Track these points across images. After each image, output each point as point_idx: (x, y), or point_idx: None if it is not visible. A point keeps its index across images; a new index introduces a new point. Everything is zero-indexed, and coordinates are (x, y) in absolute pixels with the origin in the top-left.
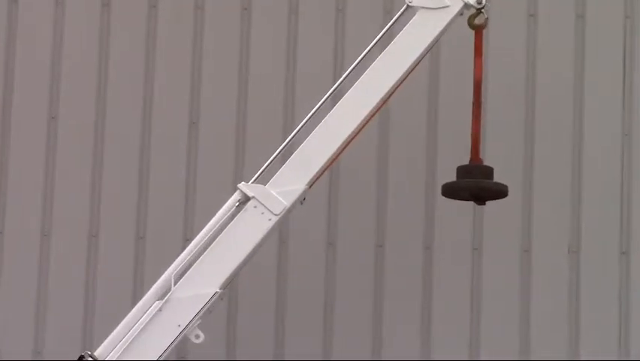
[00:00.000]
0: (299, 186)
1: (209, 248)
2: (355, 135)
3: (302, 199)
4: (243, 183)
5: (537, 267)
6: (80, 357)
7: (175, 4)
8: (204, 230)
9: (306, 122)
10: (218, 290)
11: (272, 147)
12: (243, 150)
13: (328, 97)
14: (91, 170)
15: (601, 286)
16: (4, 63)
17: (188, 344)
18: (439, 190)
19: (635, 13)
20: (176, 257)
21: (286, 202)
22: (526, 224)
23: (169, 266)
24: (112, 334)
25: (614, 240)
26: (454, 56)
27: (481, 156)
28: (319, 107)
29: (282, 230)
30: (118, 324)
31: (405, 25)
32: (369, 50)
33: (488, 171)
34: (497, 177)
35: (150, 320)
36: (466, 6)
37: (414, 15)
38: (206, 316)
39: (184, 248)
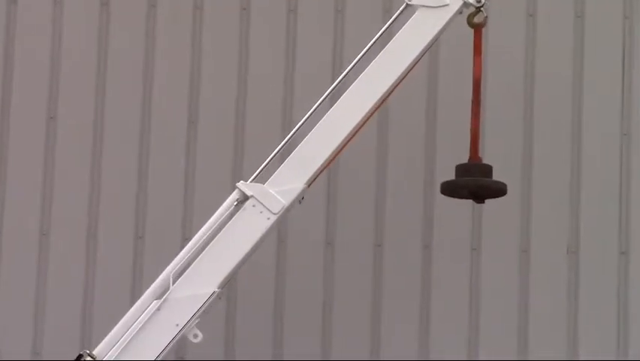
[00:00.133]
0: (298, 185)
1: (208, 247)
2: (354, 134)
3: (300, 198)
4: (241, 182)
5: (536, 267)
6: (78, 356)
7: (174, 4)
8: (203, 229)
9: (305, 121)
10: (216, 290)
11: (271, 147)
12: (241, 149)
13: (327, 96)
14: (90, 170)
15: (600, 286)
16: (3, 63)
17: (186, 344)
18: (437, 189)
19: (634, 13)
20: (175, 257)
21: (285, 201)
22: (525, 224)
23: (168, 266)
24: (110, 333)
25: (612, 240)
26: (453, 54)
27: (479, 155)
28: (318, 106)
29: (281, 230)
30: (117, 324)
31: (404, 24)
32: (368, 49)
33: (487, 170)
34: (496, 177)
35: (148, 319)
36: (466, 4)
37: (413, 14)
38: (205, 315)
39: (183, 248)
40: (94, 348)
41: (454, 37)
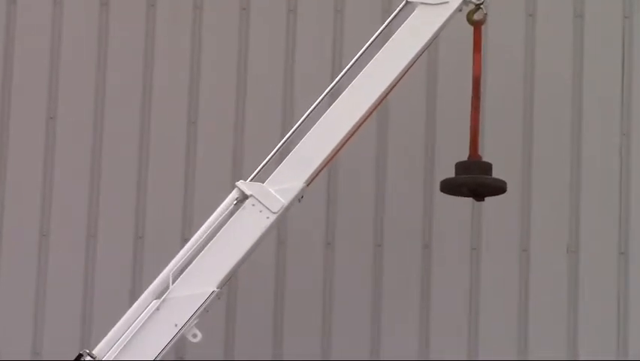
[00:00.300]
0: (297, 184)
1: (207, 247)
2: (354, 133)
3: (300, 197)
4: (241, 181)
5: (536, 266)
6: (78, 356)
7: (173, 4)
8: (202, 228)
9: (304, 120)
10: (215, 289)
11: (270, 147)
12: (241, 149)
13: (326, 95)
14: (89, 170)
15: (599, 285)
16: (2, 63)
17: (186, 344)
18: (437, 189)
19: (633, 13)
20: (175, 256)
21: (284, 200)
22: (525, 223)
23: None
24: (110, 333)
25: (612, 240)
26: (452, 52)
27: (479, 153)
28: (317, 104)
29: (281, 230)
30: (116, 323)
31: (404, 22)
32: (367, 47)
33: (487, 167)
34: (496, 177)
35: (148, 319)
36: (465, 2)
37: (413, 11)
38: (204, 315)
39: (183, 248)
40: (93, 348)
41: (453, 34)
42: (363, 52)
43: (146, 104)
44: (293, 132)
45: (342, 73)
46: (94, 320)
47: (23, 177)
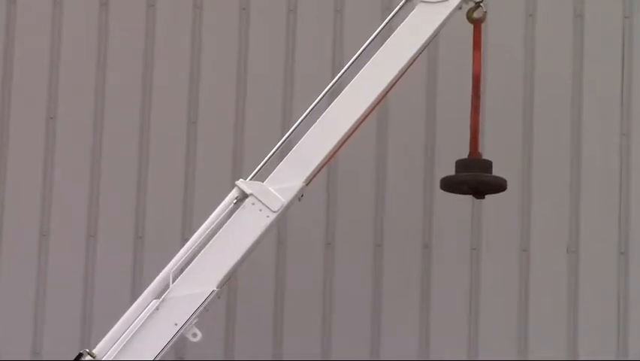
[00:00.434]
0: (297, 183)
1: (207, 246)
2: (354, 131)
3: (300, 196)
4: (240, 180)
5: (536, 266)
6: (78, 355)
7: (173, 4)
8: (202, 227)
9: (304, 119)
10: (215, 289)
11: (270, 147)
12: (241, 149)
13: (326, 93)
14: (89, 169)
15: (599, 285)
16: (2, 63)
17: (186, 344)
18: (437, 189)
19: (633, 13)
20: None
21: (284, 199)
22: (525, 223)
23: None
24: (110, 332)
25: (612, 240)
26: (452, 50)
27: (479, 151)
28: (317, 103)
29: (281, 230)
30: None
31: (404, 20)
32: (368, 45)
33: (487, 165)
34: None
35: (147, 318)
36: (465, 0)
37: (413, 9)
38: (204, 314)
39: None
40: (94, 348)
41: (453, 33)
42: (363, 50)
43: (146, 104)
44: (293, 131)
45: (342, 71)
46: (94, 320)
47: (23, 177)
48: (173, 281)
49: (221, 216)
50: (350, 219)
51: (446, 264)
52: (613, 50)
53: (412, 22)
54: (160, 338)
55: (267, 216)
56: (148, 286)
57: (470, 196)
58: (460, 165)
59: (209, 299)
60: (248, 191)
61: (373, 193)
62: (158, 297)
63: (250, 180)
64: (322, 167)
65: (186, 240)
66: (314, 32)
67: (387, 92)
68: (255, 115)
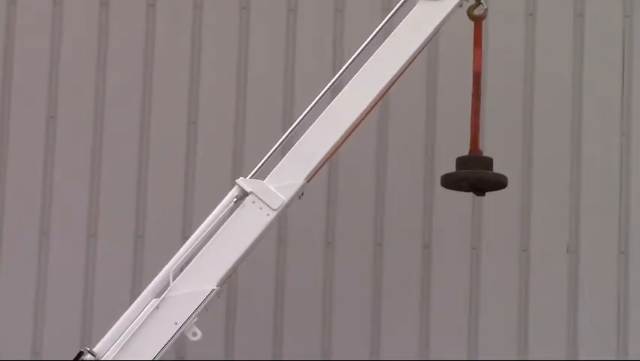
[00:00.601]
0: (297, 181)
1: (207, 244)
2: (354, 129)
3: (300, 194)
4: (241, 178)
5: (536, 266)
6: (78, 353)
7: (173, 4)
8: (202, 226)
9: (304, 117)
10: (215, 287)
11: (270, 146)
12: (241, 149)
13: (326, 91)
14: (90, 169)
15: (599, 285)
16: (3, 62)
17: (187, 344)
18: (437, 189)
19: (634, 12)
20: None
21: (284, 197)
22: (525, 223)
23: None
24: (110, 330)
25: (612, 239)
26: (453, 48)
27: (480, 148)
28: (317, 101)
29: (281, 229)
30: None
31: (404, 17)
32: (368, 42)
33: (487, 162)
34: None
35: (147, 317)
36: None
37: (413, 7)
38: (204, 313)
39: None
40: (94, 347)
41: (453, 30)
42: (364, 48)
43: (146, 104)
44: (293, 129)
45: (342, 69)
46: (94, 319)
47: (23, 176)
48: (173, 280)
49: (222, 214)
50: (350, 218)
51: (446, 263)
52: (613, 50)
53: (413, 19)
54: (160, 336)
55: (267, 215)
56: (148, 285)
57: (470, 195)
58: (461, 162)
59: (209, 298)
60: (248, 189)
61: (373, 192)
62: (158, 296)
63: (250, 178)
64: (323, 165)
65: (186, 239)
66: (314, 32)
67: (387, 89)
68: (255, 114)
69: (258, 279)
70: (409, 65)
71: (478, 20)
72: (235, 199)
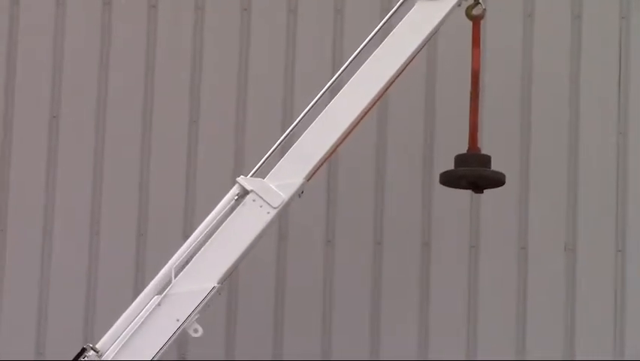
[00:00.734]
0: (297, 180)
1: (208, 242)
2: (353, 128)
3: (300, 192)
4: (241, 176)
5: (534, 264)
6: (81, 350)
7: (175, 5)
8: (204, 223)
9: (304, 116)
10: (216, 285)
11: (271, 146)
12: (242, 148)
13: (326, 90)
14: (92, 168)
15: (597, 283)
16: (6, 62)
17: (188, 340)
18: (436, 188)
19: (630, 13)
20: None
21: (285, 195)
22: (523, 221)
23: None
24: (113, 327)
25: (609, 238)
26: (451, 47)
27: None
28: (316, 101)
29: (282, 227)
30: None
31: (403, 17)
32: (368, 42)
33: (486, 160)
34: None
35: (149, 314)
36: None
37: (412, 7)
38: (205, 310)
39: None
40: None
41: (452, 30)
42: (363, 48)
43: (148, 104)
44: (293, 128)
45: (341, 69)
46: (97, 317)
47: (27, 176)
48: (175, 277)
49: (223, 212)
50: (350, 217)
51: (445, 261)
52: (610, 50)
53: (412, 19)
54: (162, 333)
55: (268, 213)
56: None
57: (469, 194)
58: (459, 159)
59: (210, 295)
60: (249, 187)
61: (373, 191)
62: (160, 293)
63: (251, 176)
64: (322, 163)
65: (188, 237)
66: (314, 32)
67: (386, 89)
68: (256, 114)
69: (258, 276)
70: (407, 64)
71: (476, 20)
72: (236, 197)
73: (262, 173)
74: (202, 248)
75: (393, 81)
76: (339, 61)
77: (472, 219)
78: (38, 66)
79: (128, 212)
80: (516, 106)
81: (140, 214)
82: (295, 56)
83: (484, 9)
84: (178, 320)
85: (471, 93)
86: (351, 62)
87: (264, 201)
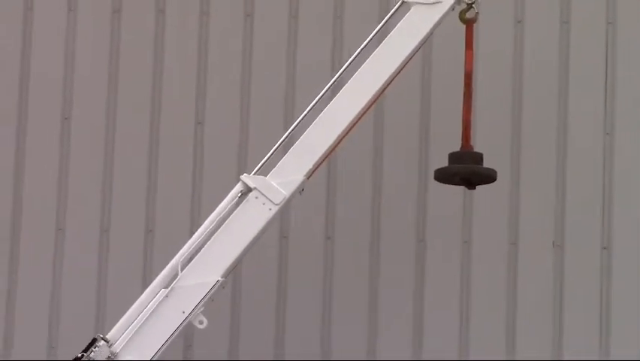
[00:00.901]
0: (298, 177)
1: (213, 237)
2: (352, 128)
3: (301, 190)
4: (245, 174)
5: (523, 259)
6: (92, 340)
7: (182, 11)
8: (209, 219)
9: (305, 116)
10: (220, 278)
11: (273, 144)
12: (245, 148)
13: (326, 91)
14: (102, 168)
15: (583, 278)
16: (20, 66)
17: (194, 332)
18: (431, 185)
19: (616, 19)
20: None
21: (286, 192)
22: (513, 218)
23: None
24: (122, 318)
25: (596, 235)
26: (445, 49)
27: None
28: (317, 102)
29: (283, 226)
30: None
31: (400, 21)
32: (366, 45)
33: (478, 157)
34: None
35: (157, 306)
36: (458, 1)
37: (408, 10)
38: (209, 303)
39: None
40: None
41: (446, 32)
42: (361, 50)
43: (155, 105)
44: (294, 128)
45: (340, 71)
46: (107, 309)
47: (39, 175)
48: (181, 271)
49: (227, 209)
50: (349, 213)
51: (440, 257)
52: (597, 54)
53: (408, 22)
54: (169, 324)
55: (270, 209)
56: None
57: (462, 190)
58: (453, 157)
59: (214, 288)
60: (252, 185)
61: (370, 188)
62: (166, 286)
63: (254, 174)
64: (322, 162)
65: (194, 234)
66: (315, 36)
67: (383, 89)
68: (259, 115)
69: (261, 271)
70: (404, 65)
71: (469, 23)
72: (240, 195)
73: (265, 171)
74: (207, 243)
75: (391, 81)
76: (338, 63)
77: (465, 216)
78: (51, 70)
79: (136, 210)
80: (507, 106)
81: (148, 212)
82: (296, 58)
83: (477, 12)
84: (184, 312)
85: (464, 94)
86: (350, 63)
87: (266, 198)
